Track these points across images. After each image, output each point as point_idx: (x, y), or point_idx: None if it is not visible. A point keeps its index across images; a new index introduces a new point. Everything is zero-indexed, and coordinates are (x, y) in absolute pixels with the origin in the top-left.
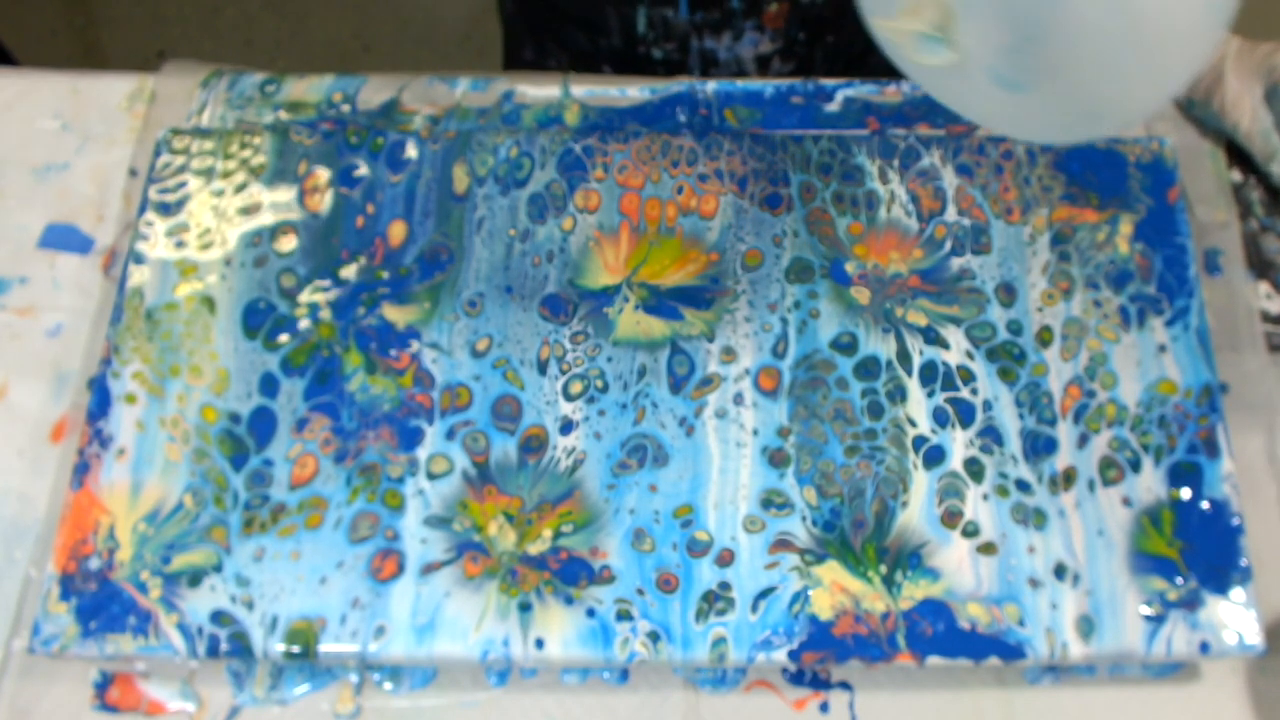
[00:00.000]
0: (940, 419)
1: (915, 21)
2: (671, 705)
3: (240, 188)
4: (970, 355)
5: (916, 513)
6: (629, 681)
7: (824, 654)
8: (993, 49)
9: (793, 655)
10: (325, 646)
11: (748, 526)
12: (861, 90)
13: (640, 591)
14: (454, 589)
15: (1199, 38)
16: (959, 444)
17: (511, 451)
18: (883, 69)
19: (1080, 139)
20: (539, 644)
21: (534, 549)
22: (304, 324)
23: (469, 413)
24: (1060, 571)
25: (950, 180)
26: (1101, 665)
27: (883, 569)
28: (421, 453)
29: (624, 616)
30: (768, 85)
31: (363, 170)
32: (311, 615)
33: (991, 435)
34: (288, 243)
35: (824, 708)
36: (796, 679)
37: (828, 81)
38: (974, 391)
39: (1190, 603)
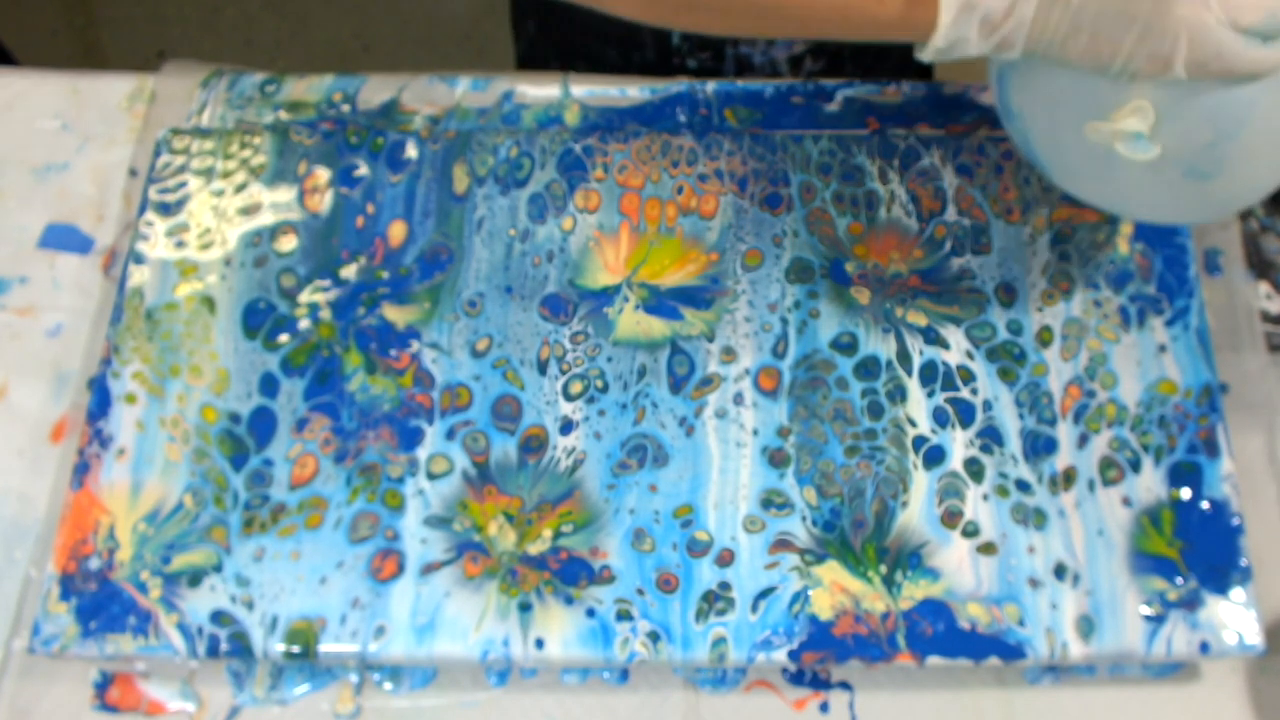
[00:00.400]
0: (940, 419)
1: (1130, 123)
2: (671, 705)
3: (240, 188)
4: (970, 355)
5: (916, 513)
6: (629, 681)
7: (824, 654)
8: (1192, 146)
9: (793, 655)
10: (325, 646)
11: (748, 526)
12: (861, 90)
13: (640, 591)
14: (454, 589)
15: None
16: (959, 444)
17: (511, 451)
18: (904, 66)
19: (1218, 219)
20: (539, 644)
21: (534, 549)
22: (304, 324)
23: (469, 413)
24: (1060, 571)
25: (950, 180)
26: (1101, 665)
27: (883, 569)
28: (421, 453)
29: (624, 616)
30: (768, 85)
31: (363, 170)
32: (311, 615)
33: (991, 435)
34: (288, 243)
35: (824, 708)
36: (796, 679)
37: (828, 81)
38: (974, 391)
39: (1190, 603)
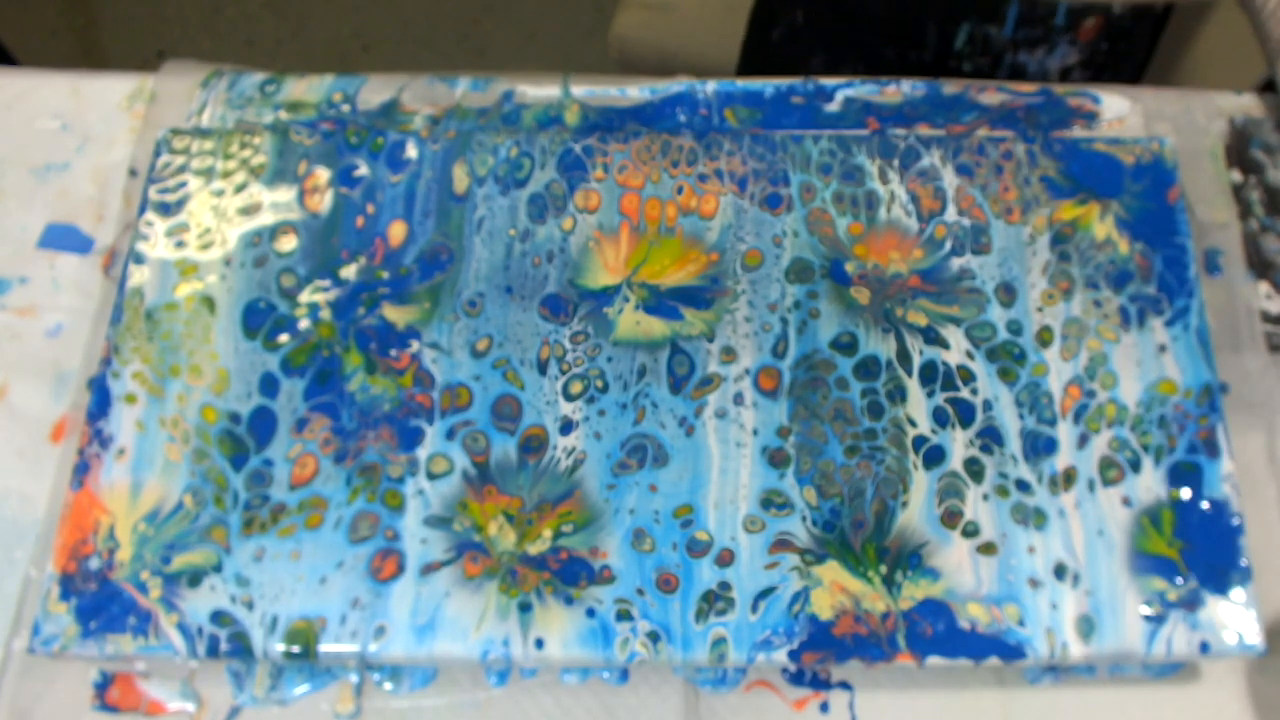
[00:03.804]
0: (940, 419)
1: None
2: (671, 705)
3: (240, 188)
4: (970, 355)
5: (916, 513)
6: (629, 681)
7: (824, 654)
8: None
9: (793, 655)
10: (325, 646)
11: (748, 526)
12: (861, 90)
13: (640, 591)
14: (454, 589)
15: None
16: (959, 444)
17: (511, 451)
18: (1129, 71)
19: None
20: (539, 644)
21: (534, 549)
22: (304, 324)
23: (469, 413)
24: (1060, 571)
25: (950, 180)
26: (1101, 665)
27: (883, 569)
28: (421, 453)
29: (624, 616)
30: (767, 85)
31: (363, 170)
32: (311, 615)
33: (991, 435)
34: (288, 243)
35: (824, 708)
36: (796, 679)
37: (828, 81)
38: (974, 391)
39: (1190, 603)
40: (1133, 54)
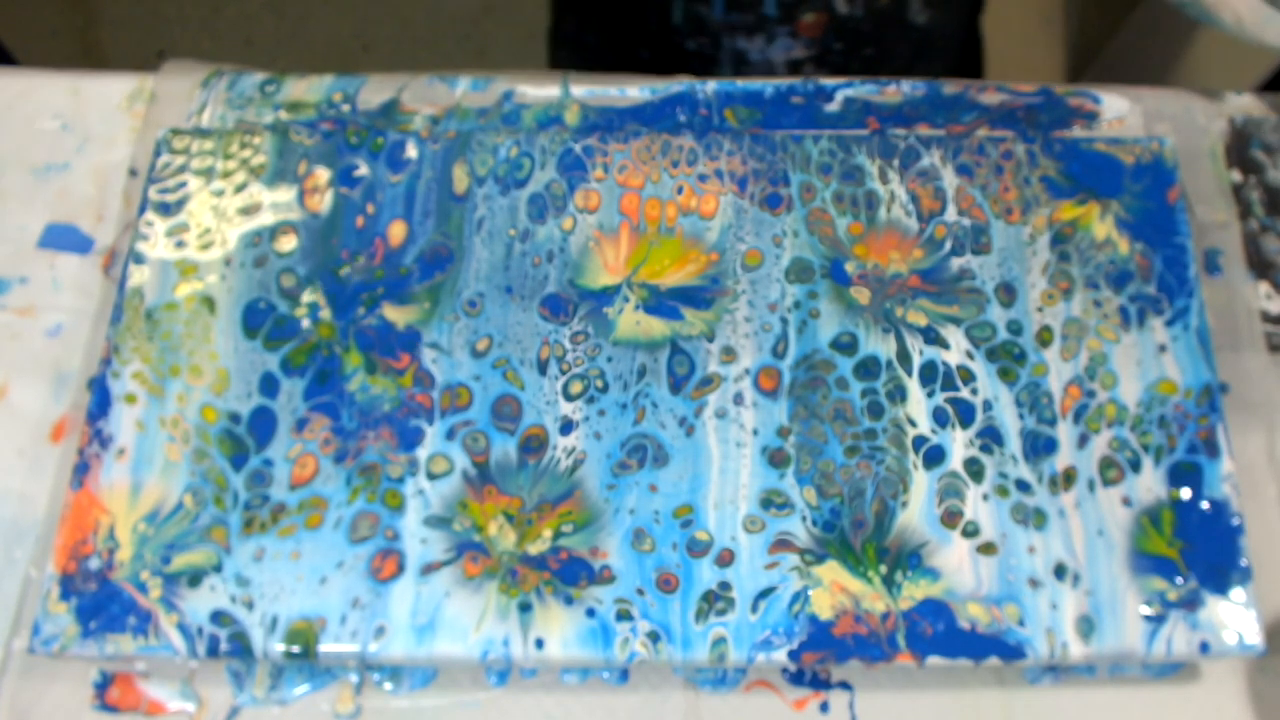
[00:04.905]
0: (940, 419)
1: None
2: (671, 705)
3: (240, 188)
4: (970, 355)
5: (916, 513)
6: (629, 681)
7: (824, 654)
8: None
9: (793, 655)
10: (325, 646)
11: (748, 526)
12: (861, 90)
13: (640, 591)
14: (454, 589)
15: None
16: (959, 444)
17: (511, 451)
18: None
19: None
20: (539, 644)
21: (534, 549)
22: (304, 324)
23: (469, 413)
24: (1060, 571)
25: (950, 180)
26: (1101, 665)
27: (883, 569)
28: (421, 453)
29: (624, 616)
30: (767, 85)
31: (363, 170)
32: (311, 615)
33: (991, 435)
34: (288, 243)
35: (824, 708)
36: (796, 679)
37: (828, 81)
38: (974, 391)
39: (1190, 603)
40: (911, 61)
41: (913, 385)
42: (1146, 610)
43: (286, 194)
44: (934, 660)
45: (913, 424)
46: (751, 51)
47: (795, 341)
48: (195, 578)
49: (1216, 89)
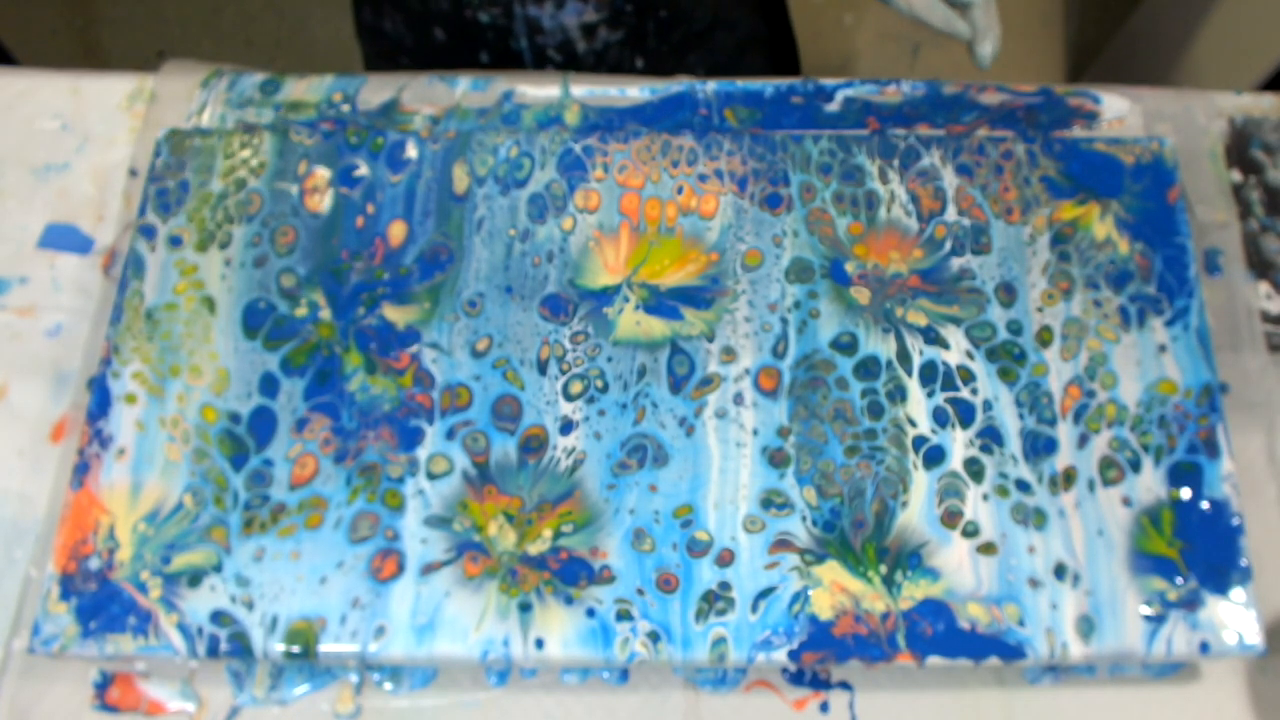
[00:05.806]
0: (940, 419)
1: None
2: (671, 705)
3: (240, 187)
4: (970, 355)
5: (916, 513)
6: (629, 681)
7: (824, 654)
8: None
9: (793, 655)
10: (325, 646)
11: (748, 526)
12: (861, 90)
13: (640, 591)
14: (454, 589)
15: None
16: (959, 444)
17: (511, 451)
18: (727, 47)
19: None
20: (539, 644)
21: (534, 549)
22: (304, 324)
23: (469, 413)
24: (1060, 571)
25: (950, 180)
26: (1101, 665)
27: (883, 569)
28: (421, 453)
29: (624, 616)
30: (767, 85)
31: (363, 170)
32: (311, 615)
33: (991, 435)
34: (288, 243)
35: (824, 708)
36: (796, 679)
37: (827, 81)
38: (974, 391)
39: (1190, 603)
40: (711, 24)
41: (913, 385)
42: (1146, 610)
43: (286, 194)
44: (934, 660)
45: (913, 424)
46: (544, 18)
47: (795, 341)
48: (195, 578)
49: (1216, 89)
